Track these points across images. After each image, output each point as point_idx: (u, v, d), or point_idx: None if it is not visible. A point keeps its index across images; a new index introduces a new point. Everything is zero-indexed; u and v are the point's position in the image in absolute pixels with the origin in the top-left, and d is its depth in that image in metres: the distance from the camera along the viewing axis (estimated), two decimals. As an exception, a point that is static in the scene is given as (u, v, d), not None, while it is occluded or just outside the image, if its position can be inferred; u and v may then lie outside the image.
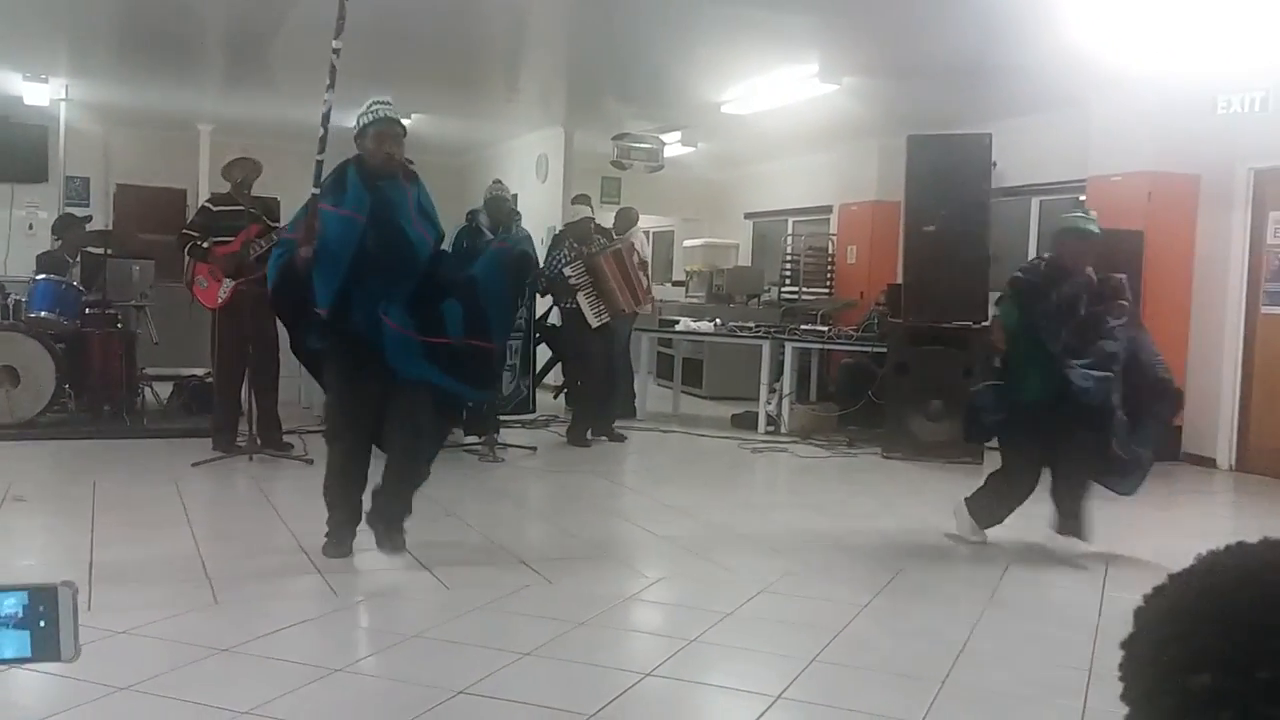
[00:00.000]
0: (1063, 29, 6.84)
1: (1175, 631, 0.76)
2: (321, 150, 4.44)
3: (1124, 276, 5.36)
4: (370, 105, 4.58)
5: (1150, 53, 7.24)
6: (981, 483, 5.45)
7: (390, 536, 4.53)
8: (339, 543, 4.60)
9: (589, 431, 8.23)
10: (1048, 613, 4.43)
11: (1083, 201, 5.26)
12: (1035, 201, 10.03)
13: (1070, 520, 5.21)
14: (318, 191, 4.39)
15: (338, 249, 4.30)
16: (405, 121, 11.73)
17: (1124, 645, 0.81)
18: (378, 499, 4.59)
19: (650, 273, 9.25)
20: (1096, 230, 5.13)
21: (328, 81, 4.48)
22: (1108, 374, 4.93)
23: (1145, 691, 0.77)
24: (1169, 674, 0.75)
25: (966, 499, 5.41)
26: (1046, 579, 4.96)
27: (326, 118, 4.45)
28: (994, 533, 6.27)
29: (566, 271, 8.06)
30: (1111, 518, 6.45)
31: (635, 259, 8.55)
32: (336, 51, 4.48)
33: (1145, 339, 5.22)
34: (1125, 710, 0.80)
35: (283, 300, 4.63)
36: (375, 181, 4.44)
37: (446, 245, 5.60)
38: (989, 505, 5.35)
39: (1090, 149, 8.71)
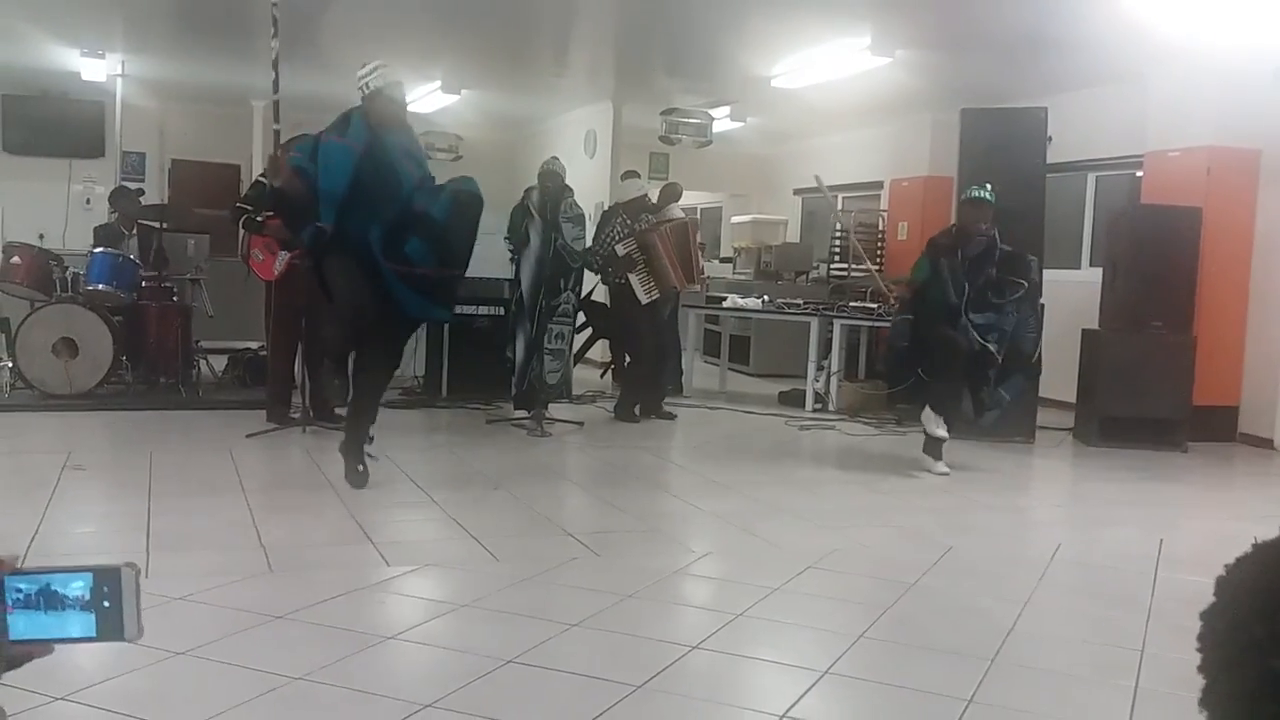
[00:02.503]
0: (1120, 0, 6.71)
1: (1260, 602, 0.75)
2: (276, 91, 5.70)
3: (1034, 259, 6.60)
4: (375, 68, 5.35)
5: (1209, 24, 7.07)
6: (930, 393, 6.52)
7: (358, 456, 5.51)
8: (358, 474, 5.46)
9: (637, 408, 8.25)
10: (1099, 592, 4.39)
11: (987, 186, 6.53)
12: (1091, 177, 9.88)
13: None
14: (291, 138, 5.71)
15: (339, 170, 5.16)
16: (454, 97, 11.85)
17: (1204, 616, 0.80)
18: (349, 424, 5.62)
19: (704, 253, 9.28)
20: (990, 198, 6.33)
21: (272, 31, 5.63)
22: (987, 345, 6.22)
23: (1225, 661, 0.76)
24: (1251, 647, 0.74)
25: (928, 405, 6.49)
26: (1098, 558, 4.91)
27: (275, 63, 5.62)
28: (1047, 512, 6.25)
29: (619, 249, 8.05)
30: (1166, 498, 6.39)
31: (698, 237, 8.56)
32: (275, 4, 5.65)
33: (1031, 319, 6.46)
34: (1184, 688, 0.79)
35: (283, 207, 5.63)
36: (375, 128, 5.28)
37: (502, 226, 7.29)
38: (942, 400, 6.42)
39: (1148, 123, 8.55)
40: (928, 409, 6.47)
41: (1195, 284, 7.93)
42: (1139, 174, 8.86)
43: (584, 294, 9.40)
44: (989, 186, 6.51)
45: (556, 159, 7.82)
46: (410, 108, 11.70)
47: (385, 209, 5.20)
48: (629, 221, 8.19)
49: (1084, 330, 8.18)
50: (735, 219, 14.32)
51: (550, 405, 7.74)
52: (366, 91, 5.33)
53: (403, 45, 9.73)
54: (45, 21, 9.18)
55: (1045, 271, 8.01)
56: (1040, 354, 6.65)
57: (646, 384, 8.38)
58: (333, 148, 5.21)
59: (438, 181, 5.60)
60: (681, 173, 13.37)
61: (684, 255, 8.27)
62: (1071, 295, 8.71)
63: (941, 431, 6.43)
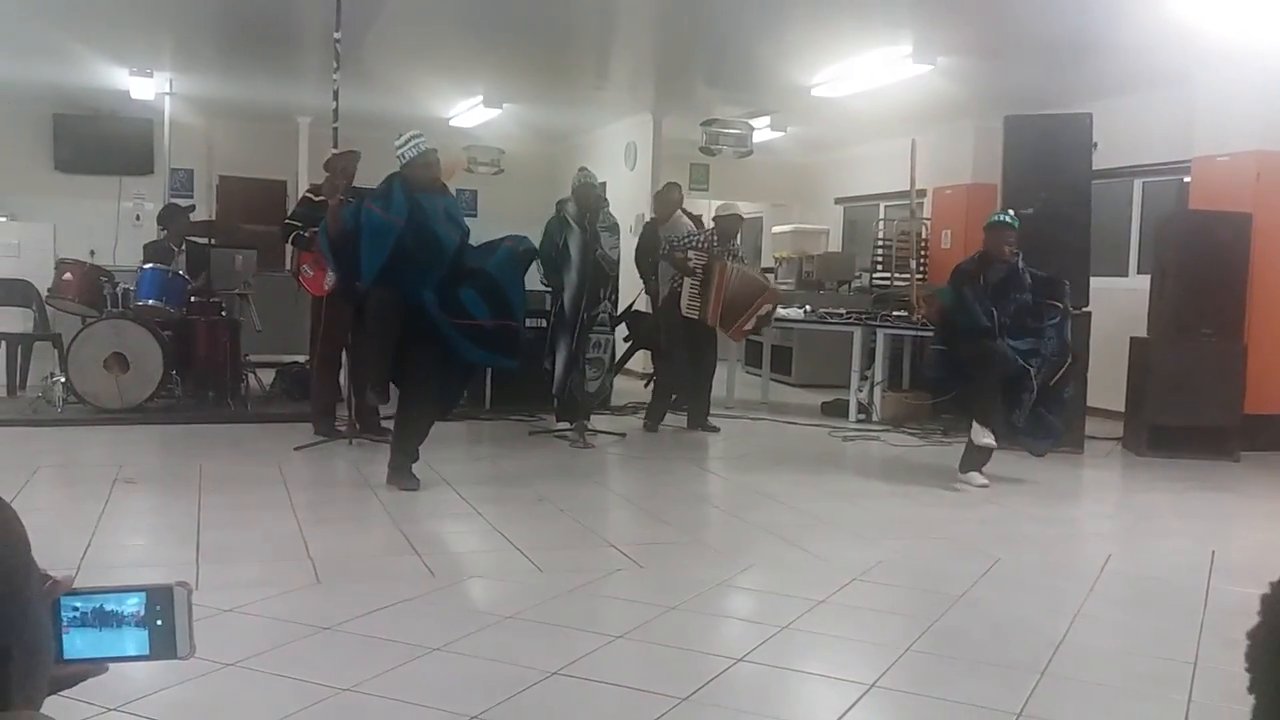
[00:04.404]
0: (1165, 2, 6.63)
1: None
2: (336, 119, 6.15)
3: (1067, 282, 6.53)
4: (411, 139, 5.68)
5: (1257, 25, 6.97)
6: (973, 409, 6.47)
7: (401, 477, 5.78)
8: (408, 477, 5.77)
9: (664, 417, 8.27)
10: (1150, 604, 4.32)
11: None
12: (1138, 183, 9.77)
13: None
14: (337, 151, 6.20)
15: (380, 242, 5.51)
16: (496, 111, 11.98)
17: (1250, 635, 0.78)
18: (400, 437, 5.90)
19: (765, 326, 8.97)
20: (1013, 222, 6.38)
21: (335, 65, 6.04)
22: (1028, 367, 6.18)
23: (1273, 678, 0.74)
24: None
25: (959, 467, 6.50)
26: (1149, 570, 4.83)
27: (336, 94, 6.06)
28: (1096, 523, 6.17)
29: (690, 255, 8.09)
30: (1217, 509, 6.29)
31: (763, 309, 8.35)
32: (338, 40, 6.05)
33: (1054, 341, 6.34)
34: (1237, 702, 0.78)
35: (339, 265, 5.89)
36: (414, 195, 5.62)
37: (536, 238, 7.27)
38: (987, 412, 6.36)
39: (1195, 127, 8.43)
40: (975, 422, 6.40)
41: (1246, 290, 7.81)
42: (1187, 179, 8.74)
43: (628, 305, 9.43)
44: (1012, 211, 6.60)
45: (587, 169, 7.83)
46: (453, 122, 11.99)
47: (431, 271, 5.59)
48: (715, 239, 8.26)
49: (1132, 338, 8.07)
50: (776, 229, 14.27)
51: (592, 416, 7.76)
52: (403, 160, 5.67)
53: (446, 61, 9.83)
54: (95, 42, 9.36)
55: (1092, 279, 7.94)
56: (1065, 375, 6.46)
57: (689, 400, 8.39)
58: (376, 220, 5.55)
59: (468, 224, 5.98)
60: (722, 183, 13.39)
61: (735, 303, 8.17)
62: (1119, 302, 8.60)
63: (989, 440, 6.33)
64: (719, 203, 9.33)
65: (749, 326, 8.46)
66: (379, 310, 5.72)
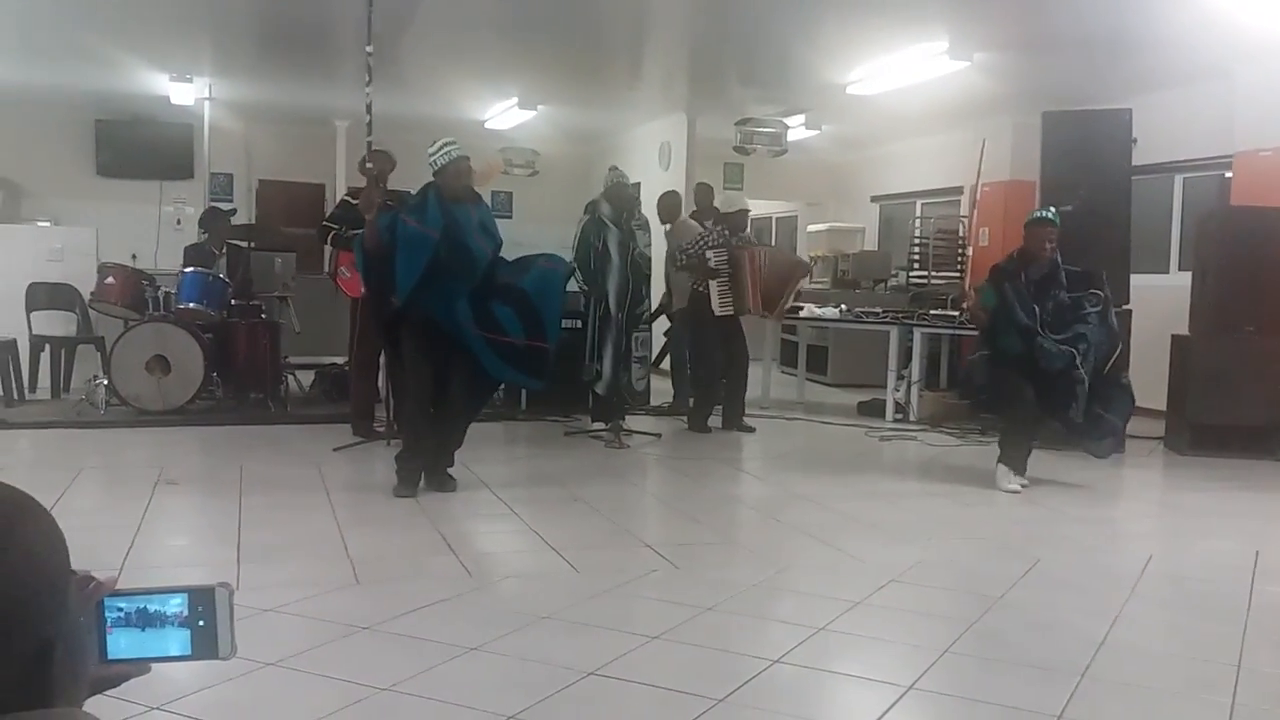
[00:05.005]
0: (1206, -4, 6.55)
1: None
2: (370, 133, 6.22)
3: (1104, 271, 6.44)
4: (443, 147, 5.66)
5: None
6: (999, 444, 6.43)
7: (440, 481, 5.76)
8: (409, 485, 5.65)
9: (708, 418, 8.24)
10: (1193, 605, 4.27)
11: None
12: (1179, 179, 9.64)
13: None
14: (370, 166, 6.26)
15: (416, 255, 5.47)
16: (531, 113, 12.04)
17: None
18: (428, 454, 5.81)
19: (797, 298, 9.11)
20: (1054, 219, 6.28)
21: (367, 78, 6.12)
22: (1072, 350, 6.03)
23: None
24: None
25: (998, 460, 6.35)
26: (1191, 571, 4.77)
27: (369, 108, 6.16)
28: (1138, 523, 6.10)
29: (709, 255, 8.09)
30: (1260, 509, 6.20)
31: (796, 286, 8.57)
32: (370, 53, 6.13)
33: (1114, 334, 6.28)
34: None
35: (371, 279, 5.85)
36: (449, 205, 5.59)
37: (571, 240, 7.48)
38: (1012, 454, 6.30)
39: (1237, 122, 8.32)
40: (1000, 464, 6.31)
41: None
42: (1228, 175, 8.62)
43: (662, 300, 9.43)
44: (1053, 209, 6.53)
45: (618, 169, 7.84)
46: (488, 125, 12.05)
47: (463, 283, 5.56)
48: (726, 232, 8.25)
49: (1174, 336, 7.97)
50: (811, 227, 14.21)
51: (627, 417, 7.77)
52: (435, 168, 5.66)
53: (481, 64, 9.88)
54: (136, 48, 9.49)
55: (1133, 276, 7.85)
56: (1117, 363, 6.33)
57: (724, 399, 8.37)
58: (412, 234, 5.50)
59: (502, 232, 5.94)
60: (756, 182, 13.36)
61: (772, 285, 8.23)
62: (1160, 300, 8.49)
63: (1014, 486, 6.22)
64: (722, 196, 9.42)
65: (785, 302, 8.58)
66: (411, 348, 5.67)
